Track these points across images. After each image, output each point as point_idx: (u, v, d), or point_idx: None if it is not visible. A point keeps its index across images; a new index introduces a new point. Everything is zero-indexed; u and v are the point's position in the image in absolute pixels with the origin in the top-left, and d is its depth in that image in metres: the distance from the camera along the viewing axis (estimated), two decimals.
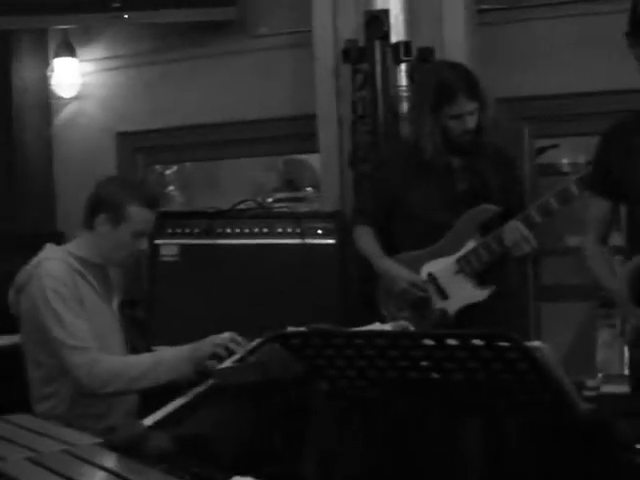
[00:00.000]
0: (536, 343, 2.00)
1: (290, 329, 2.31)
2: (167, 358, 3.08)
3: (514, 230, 3.51)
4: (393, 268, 3.70)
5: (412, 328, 2.62)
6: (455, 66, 3.66)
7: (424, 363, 2.13)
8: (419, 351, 2.11)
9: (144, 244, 3.31)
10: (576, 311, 5.13)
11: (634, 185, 2.91)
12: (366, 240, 3.83)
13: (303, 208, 5.38)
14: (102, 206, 3.21)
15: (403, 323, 2.74)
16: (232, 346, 2.95)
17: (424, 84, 3.71)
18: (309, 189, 5.96)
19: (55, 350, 3.06)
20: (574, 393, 2.18)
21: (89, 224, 3.25)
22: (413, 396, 2.34)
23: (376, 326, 2.66)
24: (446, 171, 3.69)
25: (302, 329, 2.27)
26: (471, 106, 3.57)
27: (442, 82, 3.57)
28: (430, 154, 3.62)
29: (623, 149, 2.96)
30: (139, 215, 3.22)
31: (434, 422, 2.62)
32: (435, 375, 2.17)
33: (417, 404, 2.43)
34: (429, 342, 2.07)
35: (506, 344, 1.96)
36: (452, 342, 2.04)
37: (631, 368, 3.06)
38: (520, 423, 2.69)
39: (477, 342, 1.99)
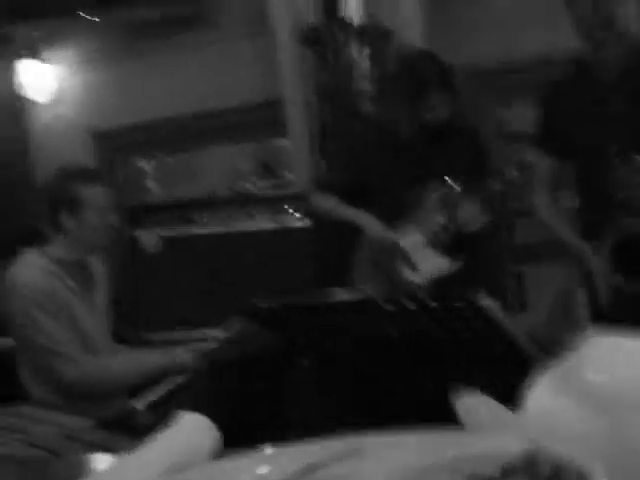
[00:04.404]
0: (487, 301, 2.13)
1: (260, 303, 2.39)
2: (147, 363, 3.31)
3: (466, 209, 3.67)
4: (381, 228, 3.76)
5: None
6: (428, 58, 3.75)
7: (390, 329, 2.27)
8: (385, 317, 2.24)
9: (112, 218, 3.37)
10: (557, 270, 5.21)
11: (580, 142, 3.06)
12: (336, 203, 3.86)
13: (281, 192, 5.45)
14: (57, 204, 3.27)
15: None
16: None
17: (398, 76, 3.78)
18: (286, 173, 6.05)
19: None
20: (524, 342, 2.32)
21: (55, 226, 3.30)
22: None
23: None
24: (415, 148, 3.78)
25: (272, 302, 2.36)
26: (443, 97, 3.66)
27: (415, 75, 3.66)
28: (408, 142, 3.72)
29: (567, 108, 3.13)
30: (93, 194, 3.28)
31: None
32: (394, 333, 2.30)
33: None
34: (391, 308, 2.21)
35: (461, 304, 2.11)
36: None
37: None
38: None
39: (432, 304, 2.14)
